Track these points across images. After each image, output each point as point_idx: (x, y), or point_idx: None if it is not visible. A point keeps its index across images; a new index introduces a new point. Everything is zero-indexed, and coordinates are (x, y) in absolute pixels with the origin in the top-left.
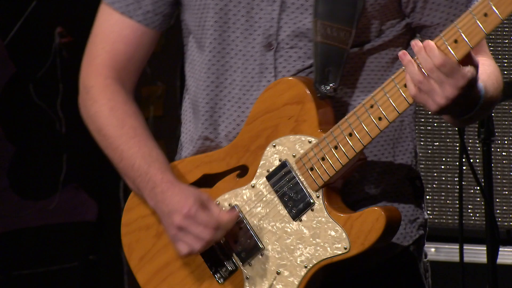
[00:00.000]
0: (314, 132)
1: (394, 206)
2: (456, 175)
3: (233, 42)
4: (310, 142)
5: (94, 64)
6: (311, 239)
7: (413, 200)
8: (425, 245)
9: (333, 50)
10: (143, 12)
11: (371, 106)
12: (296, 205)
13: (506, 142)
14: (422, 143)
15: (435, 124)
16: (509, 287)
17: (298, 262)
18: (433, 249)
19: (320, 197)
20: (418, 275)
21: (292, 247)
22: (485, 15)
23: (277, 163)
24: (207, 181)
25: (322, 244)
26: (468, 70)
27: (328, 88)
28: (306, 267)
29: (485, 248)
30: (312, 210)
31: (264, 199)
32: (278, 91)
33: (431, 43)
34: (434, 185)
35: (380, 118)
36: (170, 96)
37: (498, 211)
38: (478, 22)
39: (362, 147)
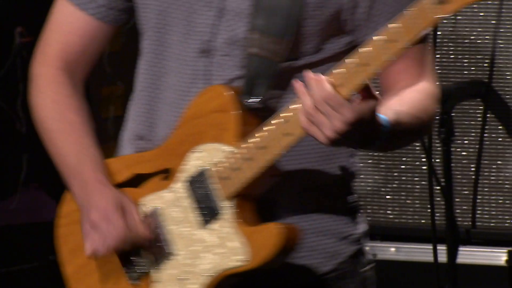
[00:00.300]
0: (233, 141)
1: (298, 226)
2: (416, 174)
3: (171, 45)
4: (228, 151)
5: (46, 53)
6: (217, 248)
7: (345, 217)
8: (385, 245)
9: (264, 62)
10: (96, 5)
11: (286, 121)
12: (208, 212)
13: (466, 142)
14: None
15: None
16: (468, 287)
17: (202, 270)
18: (393, 249)
19: (231, 207)
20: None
21: (199, 254)
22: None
23: (196, 169)
24: (136, 180)
25: (226, 254)
26: (359, 106)
27: (255, 100)
28: (208, 275)
29: (444, 248)
30: (222, 219)
31: (181, 204)
32: (207, 98)
33: (321, 76)
34: (394, 185)
35: (288, 134)
36: (131, 96)
37: (458, 210)
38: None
39: (272, 161)
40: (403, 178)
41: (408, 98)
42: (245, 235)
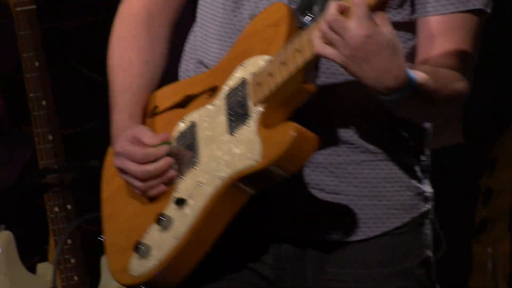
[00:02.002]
0: (276, 51)
1: (316, 136)
2: None
3: None
4: (267, 60)
5: None
6: (234, 150)
7: (419, 174)
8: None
9: None
10: None
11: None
12: (236, 119)
13: None
14: None
15: None
16: None
17: (218, 173)
18: None
19: (257, 112)
20: (424, 245)
21: (219, 158)
22: None
23: (237, 81)
24: (186, 101)
25: (240, 156)
26: (376, 24)
27: (306, 18)
28: (221, 178)
29: None
30: (246, 124)
31: (215, 114)
32: (267, 14)
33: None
34: None
35: (299, 50)
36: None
37: None
38: None
39: (303, 64)
40: None
41: (442, 72)
42: (261, 137)
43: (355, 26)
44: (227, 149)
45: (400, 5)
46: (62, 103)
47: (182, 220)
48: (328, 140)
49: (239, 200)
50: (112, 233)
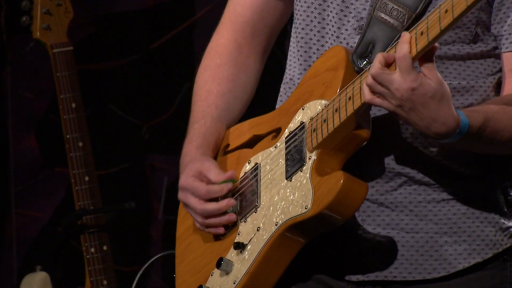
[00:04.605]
0: (333, 96)
1: (366, 184)
2: None
3: (328, 22)
4: (324, 105)
5: (221, 22)
6: (289, 197)
7: (504, 209)
8: None
9: (385, 27)
10: None
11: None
12: (293, 165)
13: None
14: None
15: None
16: None
17: (273, 220)
18: None
19: (311, 159)
20: (507, 281)
21: (276, 205)
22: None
23: (298, 124)
24: (253, 141)
25: (294, 203)
26: (422, 77)
27: (364, 62)
28: (276, 224)
29: None
30: (301, 170)
31: (276, 158)
32: (326, 58)
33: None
34: None
35: (350, 98)
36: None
37: None
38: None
39: (354, 112)
40: None
41: (501, 104)
42: (313, 185)
43: (400, 80)
44: (284, 195)
45: (473, 40)
46: (96, 144)
47: (241, 265)
48: (408, 180)
49: (295, 246)
50: (182, 272)
